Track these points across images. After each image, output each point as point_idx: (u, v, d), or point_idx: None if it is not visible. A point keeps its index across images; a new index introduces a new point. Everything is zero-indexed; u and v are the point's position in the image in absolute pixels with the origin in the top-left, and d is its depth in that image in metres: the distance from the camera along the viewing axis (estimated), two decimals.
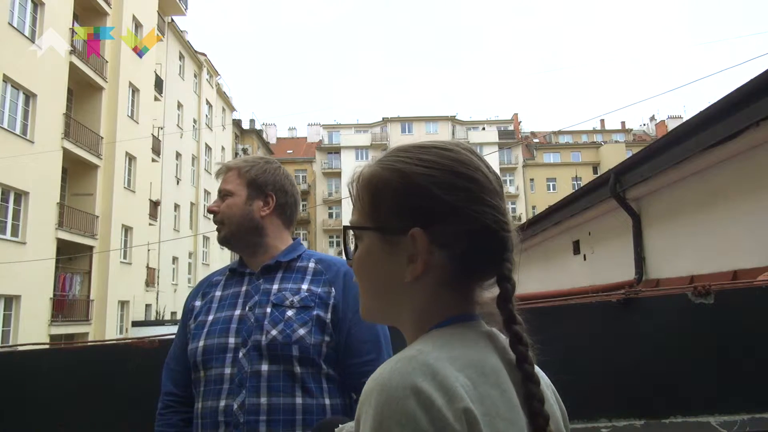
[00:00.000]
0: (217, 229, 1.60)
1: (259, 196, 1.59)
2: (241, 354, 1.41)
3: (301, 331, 1.41)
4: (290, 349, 1.39)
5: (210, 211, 1.61)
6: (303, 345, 1.40)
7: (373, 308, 0.75)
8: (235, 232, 1.57)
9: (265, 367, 1.39)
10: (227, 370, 1.40)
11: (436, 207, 0.68)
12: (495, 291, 0.72)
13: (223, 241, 1.60)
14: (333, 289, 1.49)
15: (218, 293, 1.56)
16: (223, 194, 1.60)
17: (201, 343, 1.46)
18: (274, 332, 1.41)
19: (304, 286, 1.49)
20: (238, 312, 1.47)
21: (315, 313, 1.44)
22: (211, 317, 1.50)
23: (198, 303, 1.58)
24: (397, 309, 0.73)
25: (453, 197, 0.68)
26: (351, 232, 0.76)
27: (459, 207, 0.68)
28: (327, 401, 1.41)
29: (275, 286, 1.50)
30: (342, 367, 1.46)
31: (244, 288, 1.53)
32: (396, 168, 0.71)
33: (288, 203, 1.64)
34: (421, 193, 0.69)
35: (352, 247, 0.77)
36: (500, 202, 0.71)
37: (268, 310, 1.45)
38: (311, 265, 1.55)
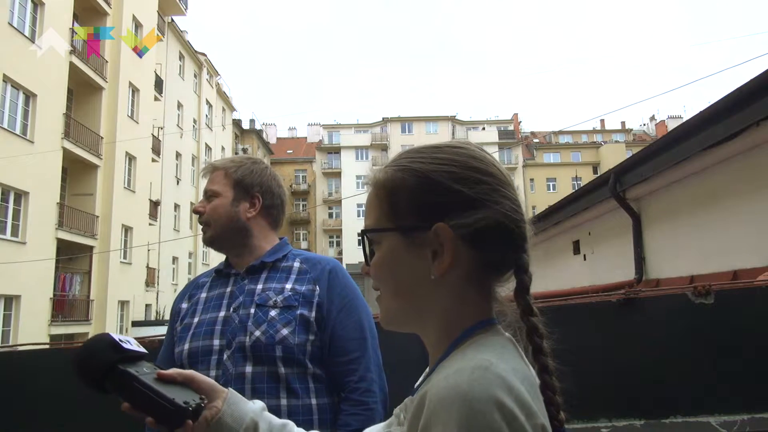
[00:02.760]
0: (203, 230, 1.59)
1: (245, 197, 1.58)
2: (225, 356, 1.40)
3: (285, 332, 1.40)
4: (274, 349, 1.38)
5: (196, 211, 1.60)
6: (286, 345, 1.39)
7: (395, 313, 0.74)
8: (221, 233, 1.56)
9: (249, 369, 1.38)
10: (212, 373, 1.39)
11: (457, 201, 0.69)
12: (506, 288, 0.73)
13: (209, 241, 1.59)
14: (317, 287, 1.48)
15: (204, 295, 1.56)
16: (209, 195, 1.58)
17: (186, 346, 1.46)
18: (257, 333, 1.40)
19: (288, 286, 1.48)
20: (222, 313, 1.47)
21: (299, 312, 1.43)
22: (196, 319, 1.50)
23: (184, 305, 1.58)
24: (422, 311, 0.72)
25: (473, 190, 0.69)
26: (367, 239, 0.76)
27: (480, 200, 0.69)
28: (313, 401, 1.40)
29: (259, 287, 1.49)
30: (327, 366, 1.44)
31: (229, 289, 1.52)
32: (412, 168, 0.72)
33: (275, 204, 1.63)
34: (441, 189, 0.69)
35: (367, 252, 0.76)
36: (516, 195, 0.72)
37: (252, 310, 1.44)
38: (296, 264, 1.54)
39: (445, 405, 0.56)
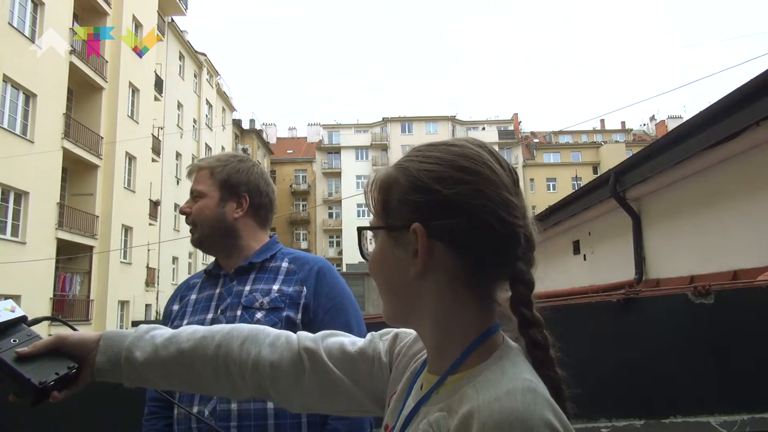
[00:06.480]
0: (191, 231, 1.56)
1: (231, 197, 1.55)
2: None
3: None
4: None
5: (182, 212, 1.56)
6: None
7: (390, 309, 0.75)
8: (209, 234, 1.53)
9: None
10: None
11: (435, 201, 0.68)
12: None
13: (197, 243, 1.56)
14: (304, 289, 1.46)
15: (194, 296, 1.55)
16: (195, 195, 1.55)
17: None
18: None
19: (275, 287, 1.46)
20: (210, 315, 1.46)
21: (285, 314, 1.41)
22: (185, 322, 1.48)
23: (175, 307, 1.57)
24: (413, 310, 0.72)
25: (451, 190, 0.67)
26: (367, 236, 0.78)
27: (458, 201, 0.67)
28: None
29: (247, 288, 1.47)
30: None
31: (217, 290, 1.51)
32: (404, 167, 0.72)
33: (263, 203, 1.60)
34: (421, 188, 0.69)
35: (370, 249, 0.78)
36: (510, 197, 0.69)
37: (239, 312, 1.42)
38: (284, 264, 1.52)
39: (507, 428, 0.56)
